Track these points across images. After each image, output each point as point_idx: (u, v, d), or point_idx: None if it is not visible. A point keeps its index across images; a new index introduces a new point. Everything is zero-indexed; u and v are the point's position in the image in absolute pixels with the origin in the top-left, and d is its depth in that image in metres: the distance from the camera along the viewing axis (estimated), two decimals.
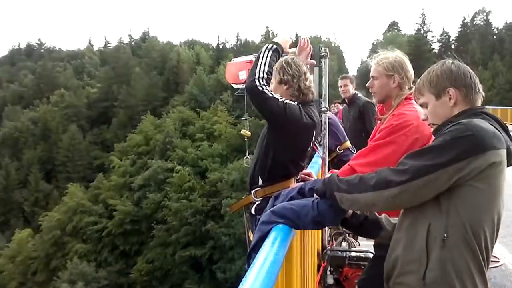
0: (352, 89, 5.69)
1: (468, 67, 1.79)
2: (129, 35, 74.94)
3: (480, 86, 1.78)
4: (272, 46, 2.72)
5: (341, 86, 5.73)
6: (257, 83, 2.52)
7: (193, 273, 33.35)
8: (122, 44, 68.41)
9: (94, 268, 34.35)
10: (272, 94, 2.54)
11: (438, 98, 1.77)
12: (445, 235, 1.56)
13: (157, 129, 45.60)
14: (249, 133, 3.97)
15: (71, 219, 39.03)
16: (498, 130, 1.64)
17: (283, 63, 2.76)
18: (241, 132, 3.99)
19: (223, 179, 35.98)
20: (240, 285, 1.29)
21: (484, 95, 1.80)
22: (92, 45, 79.37)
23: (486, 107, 1.75)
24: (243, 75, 3.75)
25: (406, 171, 1.55)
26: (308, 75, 2.80)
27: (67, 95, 56.34)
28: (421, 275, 1.59)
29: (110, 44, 72.60)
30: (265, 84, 2.54)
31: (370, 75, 2.69)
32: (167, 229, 35.10)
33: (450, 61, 1.80)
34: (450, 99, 1.74)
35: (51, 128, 52.76)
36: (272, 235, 1.76)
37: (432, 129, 1.82)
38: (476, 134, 1.53)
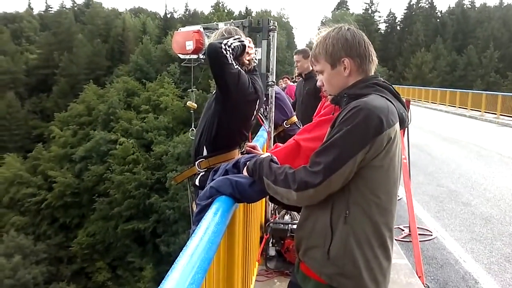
0: (308, 64, 5.60)
1: (363, 35, 1.80)
2: (72, 0, 71.50)
3: (373, 55, 1.80)
4: (243, 42, 2.73)
5: (296, 61, 5.65)
6: (223, 46, 2.53)
7: (136, 246, 33.09)
8: (64, 8, 65.20)
9: (32, 241, 33.29)
10: (231, 61, 2.56)
11: (334, 67, 1.78)
12: (347, 212, 1.63)
13: (100, 99, 44.16)
14: (195, 105, 3.90)
15: (8, 190, 37.55)
16: (391, 100, 1.70)
17: (224, 32, 2.78)
18: (187, 104, 3.92)
19: (169, 152, 35.59)
20: (181, 254, 1.27)
21: (377, 62, 1.83)
22: (32, 9, 74.94)
23: (380, 78, 1.79)
24: (190, 45, 3.66)
25: (319, 173, 1.58)
26: (253, 51, 2.87)
27: (4, 60, 53.05)
28: (326, 249, 1.65)
29: (51, 8, 68.97)
30: (230, 52, 2.56)
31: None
32: (109, 202, 34.48)
33: (346, 28, 1.79)
34: (345, 69, 1.76)
35: None
36: (214, 206, 1.76)
37: (329, 99, 1.86)
38: (374, 116, 1.57)
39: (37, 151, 41.30)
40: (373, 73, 1.81)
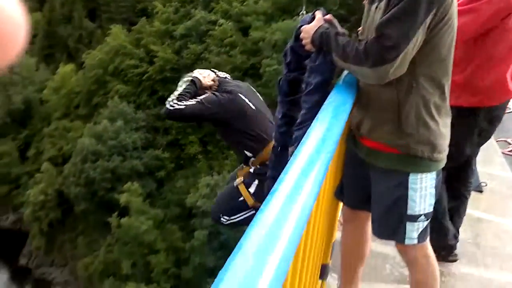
0: None
1: None
2: None
3: None
4: (191, 76, 2.95)
5: None
6: (168, 106, 2.75)
7: None
8: None
9: (133, 109, 35.70)
10: (185, 104, 2.74)
11: None
12: (414, 83, 1.60)
13: None
14: None
15: (113, 60, 39.57)
16: None
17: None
18: None
19: (265, 38, 35.25)
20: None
21: None
22: None
23: None
24: None
25: (395, 45, 1.48)
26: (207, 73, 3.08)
27: None
28: (398, 122, 1.66)
29: None
30: (176, 101, 2.77)
31: None
32: None
33: None
34: None
35: None
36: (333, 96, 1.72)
37: None
38: None
39: (140, 25, 42.52)
40: None
